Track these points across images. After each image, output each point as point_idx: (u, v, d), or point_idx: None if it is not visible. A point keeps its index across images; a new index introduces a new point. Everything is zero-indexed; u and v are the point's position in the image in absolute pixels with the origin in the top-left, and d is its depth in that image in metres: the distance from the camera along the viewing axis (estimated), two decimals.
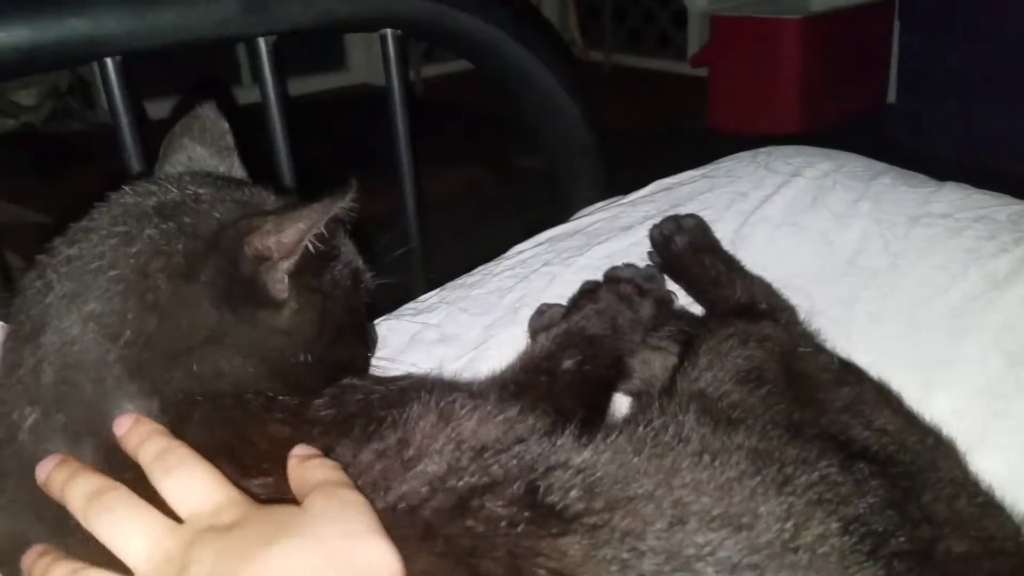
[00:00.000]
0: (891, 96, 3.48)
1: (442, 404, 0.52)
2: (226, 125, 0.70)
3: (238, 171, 0.70)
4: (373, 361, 0.77)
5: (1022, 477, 0.63)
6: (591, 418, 0.65)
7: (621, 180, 1.19)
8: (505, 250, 1.10)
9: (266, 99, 0.98)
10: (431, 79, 4.25)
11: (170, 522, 0.45)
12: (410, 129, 1.10)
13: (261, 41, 0.96)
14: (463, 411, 0.51)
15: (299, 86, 3.94)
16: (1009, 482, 0.62)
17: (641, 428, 0.54)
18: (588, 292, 0.76)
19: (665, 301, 0.80)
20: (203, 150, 0.69)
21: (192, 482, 0.46)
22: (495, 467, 0.47)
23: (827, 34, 3.31)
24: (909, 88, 3.16)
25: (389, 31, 1.04)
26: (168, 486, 0.46)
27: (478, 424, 0.50)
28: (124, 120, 0.88)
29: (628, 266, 0.83)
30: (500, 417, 0.51)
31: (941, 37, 2.94)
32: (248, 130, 0.76)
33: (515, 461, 0.48)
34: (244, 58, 4.36)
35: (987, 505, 0.55)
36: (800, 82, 3.26)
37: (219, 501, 0.45)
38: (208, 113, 0.70)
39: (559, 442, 0.51)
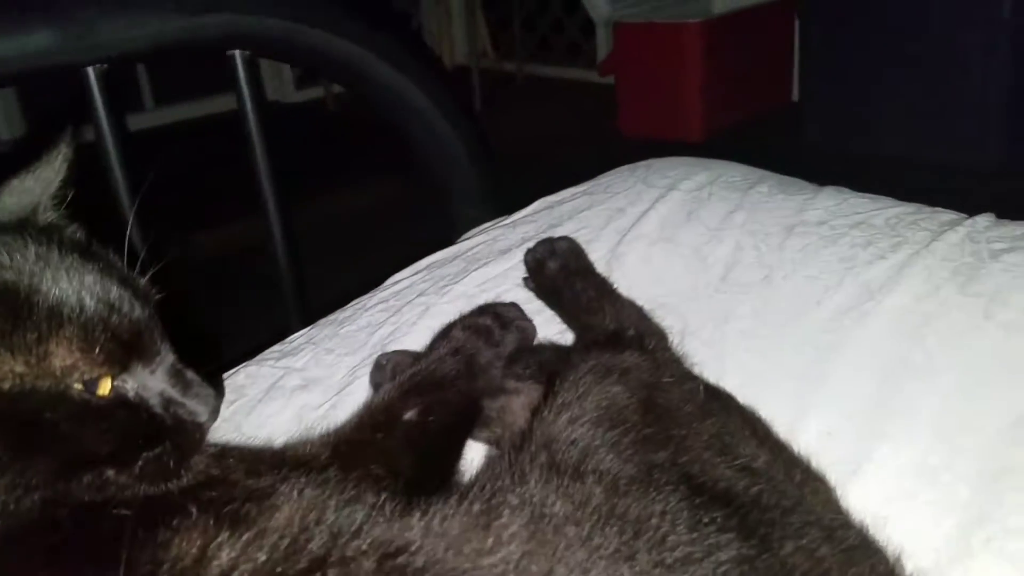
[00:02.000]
0: (795, 94, 3.54)
1: (225, 514, 0.44)
2: (61, 161, 0.60)
3: (45, 209, 0.61)
4: None
5: (897, 504, 0.60)
6: (437, 474, 0.60)
7: (533, 190, 1.13)
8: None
9: (99, 134, 0.90)
10: (344, 95, 4.15)
11: None
12: (270, 155, 1.03)
13: (90, 71, 0.88)
14: (245, 514, 0.43)
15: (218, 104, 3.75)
16: (884, 509, 0.58)
17: (477, 492, 0.49)
18: (442, 333, 0.70)
19: (528, 331, 0.75)
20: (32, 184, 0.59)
21: None
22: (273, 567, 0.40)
23: (729, 36, 3.34)
24: (811, 85, 3.20)
25: (237, 52, 0.97)
26: None
27: (263, 523, 0.42)
28: None
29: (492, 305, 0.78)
30: (292, 506, 0.44)
31: (840, 34, 2.99)
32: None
33: (299, 554, 0.41)
34: (146, 82, 4.23)
35: (855, 549, 0.51)
36: (704, 84, 3.27)
37: None
38: (60, 148, 0.60)
39: (369, 518, 0.44)
